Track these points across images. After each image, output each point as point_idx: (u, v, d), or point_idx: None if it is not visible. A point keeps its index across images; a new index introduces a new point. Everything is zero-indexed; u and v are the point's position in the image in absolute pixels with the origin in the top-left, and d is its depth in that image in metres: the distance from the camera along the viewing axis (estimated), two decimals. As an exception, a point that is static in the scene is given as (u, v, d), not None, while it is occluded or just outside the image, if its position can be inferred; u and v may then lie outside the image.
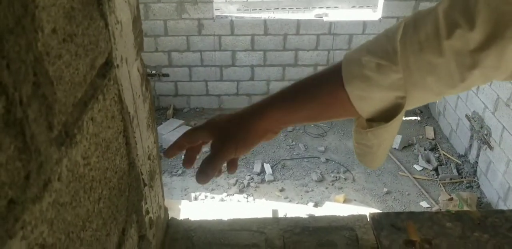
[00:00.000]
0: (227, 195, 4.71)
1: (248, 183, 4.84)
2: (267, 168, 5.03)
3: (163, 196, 0.99)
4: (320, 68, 5.78)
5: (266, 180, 4.87)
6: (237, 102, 6.07)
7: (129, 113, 0.69)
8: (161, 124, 5.65)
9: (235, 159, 0.78)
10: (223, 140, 0.71)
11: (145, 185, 0.77)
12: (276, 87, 5.88)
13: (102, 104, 0.55)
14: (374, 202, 4.56)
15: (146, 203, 0.79)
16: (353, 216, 1.06)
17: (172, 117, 5.90)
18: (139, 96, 0.78)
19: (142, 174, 0.76)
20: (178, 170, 5.00)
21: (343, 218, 1.05)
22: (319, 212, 4.35)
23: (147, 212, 0.78)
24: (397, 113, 0.61)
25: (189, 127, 5.70)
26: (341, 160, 5.17)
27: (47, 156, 0.39)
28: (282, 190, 4.74)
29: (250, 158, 5.19)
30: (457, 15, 0.53)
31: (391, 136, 0.66)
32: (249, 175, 4.93)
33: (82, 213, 0.48)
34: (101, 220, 0.54)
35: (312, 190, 4.74)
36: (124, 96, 0.66)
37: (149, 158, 0.86)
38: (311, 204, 4.54)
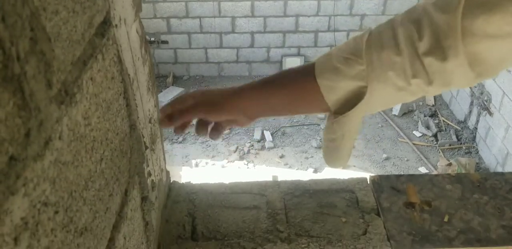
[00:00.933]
0: (228, 162, 4.76)
1: (249, 150, 4.88)
2: (267, 135, 5.06)
3: (164, 159, 1.00)
4: (321, 35, 5.68)
5: (266, 147, 4.91)
6: (237, 69, 6.02)
7: (129, 75, 0.69)
8: (161, 91, 5.63)
9: (219, 128, 0.86)
10: (199, 102, 0.81)
11: (146, 148, 0.77)
12: (276, 54, 5.82)
13: (101, 64, 0.54)
14: (373, 167, 4.61)
15: (148, 165, 0.79)
16: (353, 179, 1.07)
17: (172, 85, 5.87)
18: (138, 58, 0.77)
19: (143, 137, 0.76)
20: (178, 137, 5.03)
21: (343, 181, 1.06)
22: (320, 177, 4.42)
23: (149, 175, 0.79)
24: (359, 101, 0.67)
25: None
26: (341, 127, 5.20)
27: (47, 114, 0.39)
28: (282, 156, 4.79)
29: (251, 125, 5.22)
30: (411, 27, 0.64)
31: (354, 127, 0.71)
32: (249, 142, 4.96)
33: (84, 173, 0.48)
34: (104, 181, 0.54)
35: (312, 157, 4.79)
36: (124, 57, 0.65)
37: (150, 122, 0.86)
38: (310, 170, 4.60)
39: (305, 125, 5.26)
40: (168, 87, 5.79)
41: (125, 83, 0.64)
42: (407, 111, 5.35)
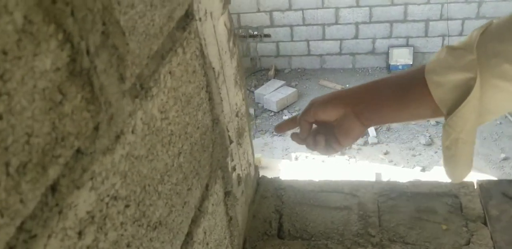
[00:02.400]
0: (329, 156, 4.68)
1: (351, 145, 4.76)
2: (371, 130, 4.87)
3: (253, 153, 0.99)
4: (432, 24, 5.31)
5: (370, 142, 4.73)
6: (340, 61, 5.88)
7: (213, 68, 0.68)
8: (263, 85, 5.70)
9: (334, 142, 0.78)
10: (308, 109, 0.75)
11: (231, 142, 0.77)
12: (383, 45, 5.56)
13: (181, 58, 0.53)
14: (489, 168, 4.21)
15: (233, 160, 0.79)
16: (458, 183, 0.96)
17: (274, 78, 5.91)
18: (225, 51, 0.77)
19: (228, 131, 0.76)
20: (279, 130, 5.06)
21: (446, 184, 0.96)
22: (427, 177, 4.15)
23: (234, 169, 0.78)
24: (468, 96, 0.59)
25: (290, 88, 5.67)
26: (452, 123, 4.82)
27: (118, 108, 0.39)
28: (386, 153, 4.58)
29: (352, 119, 5.07)
30: None
31: (468, 128, 0.62)
32: (351, 137, 4.83)
33: (160, 167, 0.48)
34: (182, 175, 0.54)
35: (420, 154, 4.52)
36: (208, 51, 0.65)
37: (237, 115, 0.85)
38: (418, 168, 4.34)
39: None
40: (269, 80, 5.85)
41: (208, 77, 0.63)
42: (531, 107, 4.78)
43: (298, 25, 5.61)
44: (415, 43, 5.48)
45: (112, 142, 0.38)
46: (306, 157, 4.70)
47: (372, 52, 5.69)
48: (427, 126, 4.82)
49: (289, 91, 5.46)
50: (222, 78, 0.74)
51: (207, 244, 0.65)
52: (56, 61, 0.31)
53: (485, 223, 0.87)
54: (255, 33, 5.80)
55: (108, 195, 0.38)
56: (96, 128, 0.36)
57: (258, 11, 5.57)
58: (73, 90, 0.33)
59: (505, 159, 4.25)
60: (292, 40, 5.81)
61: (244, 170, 0.91)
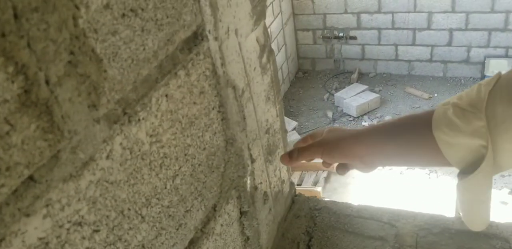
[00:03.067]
0: (407, 168, 4.45)
1: (432, 158, 4.48)
2: (456, 143, 4.55)
3: (288, 170, 0.96)
4: (538, 32, 4.83)
5: (453, 156, 4.43)
6: (429, 69, 5.57)
7: (234, 87, 0.67)
8: (344, 88, 5.58)
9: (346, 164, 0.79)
10: (319, 141, 0.75)
11: (253, 160, 0.75)
12: (478, 54, 5.17)
13: (184, 80, 0.53)
14: None
15: (255, 178, 0.77)
16: (511, 224, 0.86)
17: (357, 82, 5.76)
18: (254, 68, 0.75)
19: (250, 150, 0.74)
20: (356, 138, 4.92)
21: (498, 225, 0.86)
22: (514, 199, 3.79)
23: (255, 188, 0.76)
24: (481, 164, 0.55)
25: (373, 93, 5.47)
26: (553, 142, 4.34)
27: (87, 135, 0.39)
28: (471, 169, 4.26)
29: (437, 131, 4.77)
30: None
31: (481, 190, 0.59)
32: (434, 150, 4.55)
33: (145, 190, 0.48)
34: (177, 197, 0.54)
35: (509, 175, 4.13)
36: (228, 69, 0.64)
37: (267, 132, 0.83)
38: (506, 190, 3.98)
39: (504, 135, 4.56)
40: (352, 83, 5.70)
41: (222, 97, 0.62)
42: None
43: (386, 28, 5.41)
44: (515, 53, 5.03)
45: (78, 169, 0.39)
46: (383, 167, 4.51)
47: (466, 61, 5.31)
48: (521, 143, 4.40)
49: (372, 96, 5.28)
50: (247, 95, 0.73)
51: (211, 265, 0.64)
52: (3, 93, 0.31)
53: (537, 273, 0.76)
54: (341, 34, 5.69)
55: (69, 221, 0.38)
56: (56, 156, 0.36)
57: (346, 12, 5.46)
58: (25, 121, 0.33)
59: None
60: (379, 44, 5.62)
61: (275, 187, 0.89)
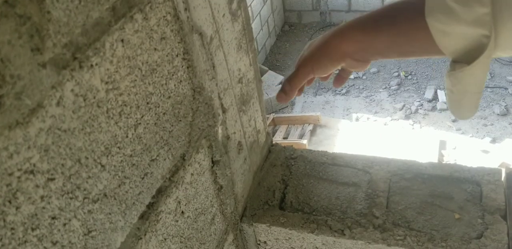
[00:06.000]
0: (392, 120, 4.51)
1: (417, 110, 4.53)
2: (441, 95, 4.58)
3: (264, 120, 0.95)
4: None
5: (438, 108, 4.47)
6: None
7: (201, 33, 0.64)
8: (332, 41, 5.49)
9: (342, 74, 0.80)
10: (304, 58, 0.71)
11: (224, 110, 0.74)
12: None
13: (141, 24, 0.50)
14: None
15: (227, 128, 0.76)
16: (483, 168, 0.87)
17: (344, 35, 5.66)
18: (223, 15, 0.72)
19: (221, 99, 0.72)
20: (342, 89, 4.92)
21: (470, 169, 0.88)
22: (496, 149, 3.88)
23: (227, 138, 0.76)
24: (480, 55, 0.51)
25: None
26: (536, 92, 4.38)
27: (32, 81, 0.37)
28: (455, 120, 4.32)
29: (422, 83, 4.77)
30: None
31: (476, 81, 0.55)
32: (419, 101, 4.59)
33: (104, 139, 0.47)
34: (141, 146, 0.53)
35: (492, 124, 4.22)
36: (192, 15, 0.61)
37: (240, 82, 0.81)
38: (487, 139, 4.08)
39: (489, 87, 4.59)
40: (340, 37, 5.61)
41: (186, 44, 0.59)
42: None
43: (373, -22, 5.25)
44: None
45: (25, 116, 0.37)
46: (368, 118, 4.56)
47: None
48: (504, 94, 4.44)
49: (359, 49, 5.22)
50: (217, 43, 0.70)
51: (182, 213, 0.64)
52: None
53: (504, 217, 0.79)
54: (328, -14, 5.52)
55: (19, 169, 0.37)
56: (-2, 102, 0.35)
57: (333, -38, 5.26)
58: (-43, 64, 0.31)
59: None
60: (367, -6, 5.48)
61: (250, 137, 0.88)
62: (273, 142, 1.02)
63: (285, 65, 5.49)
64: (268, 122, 4.38)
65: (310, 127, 4.24)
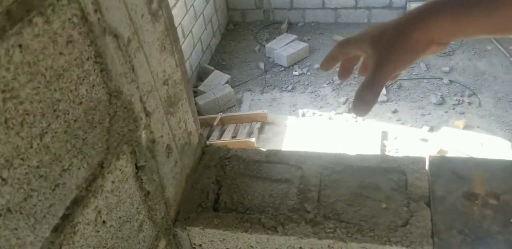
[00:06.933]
0: (336, 114, 4.62)
1: (359, 103, 4.66)
2: (381, 88, 4.74)
3: (195, 121, 0.94)
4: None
5: (379, 100, 4.63)
6: (355, 16, 5.64)
7: (116, 35, 0.62)
8: (274, 38, 5.54)
9: (348, 65, 0.70)
10: (380, 57, 0.59)
11: (148, 114, 0.72)
12: (401, -1, 5.28)
13: (42, 28, 0.48)
14: (501, 130, 4.10)
15: (153, 132, 0.74)
16: (408, 157, 0.91)
17: (286, 32, 5.73)
18: (142, 15, 0.70)
19: (143, 102, 0.71)
20: (288, 86, 4.98)
21: (396, 159, 0.91)
22: (434, 137, 4.07)
23: (153, 142, 0.74)
24: None
25: (302, 43, 5.49)
26: (468, 82, 4.63)
27: None
28: (395, 111, 4.49)
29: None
30: None
31: None
32: (360, 95, 4.72)
33: (3, 151, 0.44)
34: (49, 156, 0.50)
35: (429, 114, 4.41)
36: (106, 16, 0.59)
37: (165, 84, 0.80)
38: (426, 128, 4.26)
39: (425, 78, 4.80)
40: (282, 34, 5.67)
41: (98, 47, 0.57)
42: (553, 66, 4.55)
43: (312, -25, 5.35)
44: (436, -4, 5.19)
45: None
46: (314, 113, 4.65)
47: (389, 6, 5.41)
48: (439, 85, 4.66)
49: (301, 45, 5.30)
50: (136, 45, 0.68)
51: (104, 222, 0.62)
52: None
53: (428, 204, 0.82)
54: (268, -17, 5.56)
55: None
56: None
57: (271, -40, 5.30)
58: None
59: (518, 121, 4.11)
60: (306, -8, 5.58)
61: (180, 140, 0.87)
62: (207, 143, 1.01)
63: (231, 64, 5.48)
64: (216, 121, 4.36)
65: (258, 124, 4.26)
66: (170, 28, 0.81)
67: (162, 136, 0.79)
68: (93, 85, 0.57)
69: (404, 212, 0.82)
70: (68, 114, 0.53)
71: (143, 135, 0.71)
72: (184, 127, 0.89)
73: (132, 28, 0.67)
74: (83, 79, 0.55)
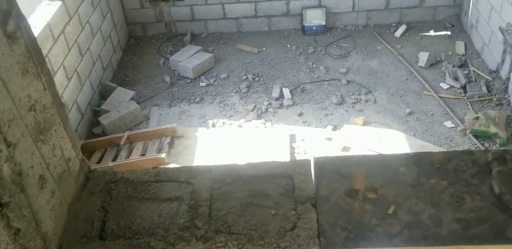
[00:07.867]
0: (245, 121, 4.67)
1: (266, 109, 4.76)
2: (286, 92, 4.88)
3: (74, 147, 0.90)
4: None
5: (285, 105, 4.76)
6: (256, 24, 5.79)
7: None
8: (179, 50, 5.49)
9: None
10: None
11: (10, 144, 0.67)
12: (296, 6, 5.52)
13: None
14: (396, 123, 4.41)
15: (18, 164, 0.69)
16: (295, 161, 0.94)
17: (190, 43, 5.71)
18: (-13, 40, 0.65)
19: (3, 133, 0.65)
20: (196, 97, 4.96)
21: (283, 164, 0.93)
22: (338, 135, 4.26)
23: (19, 174, 0.69)
24: None
25: (207, 53, 5.50)
26: (363, 81, 4.93)
27: None
28: (300, 114, 4.64)
29: (269, 83, 5.04)
30: None
31: None
32: (268, 101, 4.83)
33: None
34: None
35: (332, 114, 4.62)
36: None
37: (31, 109, 0.74)
38: (329, 127, 4.45)
39: (325, 80, 5.04)
40: (185, 46, 5.64)
41: None
42: (434, 62, 4.99)
43: (209, -13, 5.40)
44: (327, 3, 5.48)
45: None
46: (223, 123, 4.67)
47: (287, 14, 5.63)
48: (338, 85, 4.91)
49: (206, 56, 5.31)
50: (-17, 72, 0.63)
51: (-38, 271, 0.56)
52: None
53: (314, 205, 0.85)
54: (166, -4, 5.51)
55: None
56: None
57: (167, -27, 5.27)
58: None
59: (410, 113, 4.45)
60: (206, 3, 5.61)
61: (56, 168, 0.82)
62: (91, 167, 0.96)
63: (135, 79, 5.33)
64: (122, 140, 4.20)
65: (168, 139, 4.18)
66: (33, 50, 0.76)
67: (32, 167, 0.74)
68: None
69: (292, 216, 0.84)
70: None
71: (5, 168, 0.66)
72: (61, 154, 0.84)
73: (-24, 55, 0.62)
74: None
